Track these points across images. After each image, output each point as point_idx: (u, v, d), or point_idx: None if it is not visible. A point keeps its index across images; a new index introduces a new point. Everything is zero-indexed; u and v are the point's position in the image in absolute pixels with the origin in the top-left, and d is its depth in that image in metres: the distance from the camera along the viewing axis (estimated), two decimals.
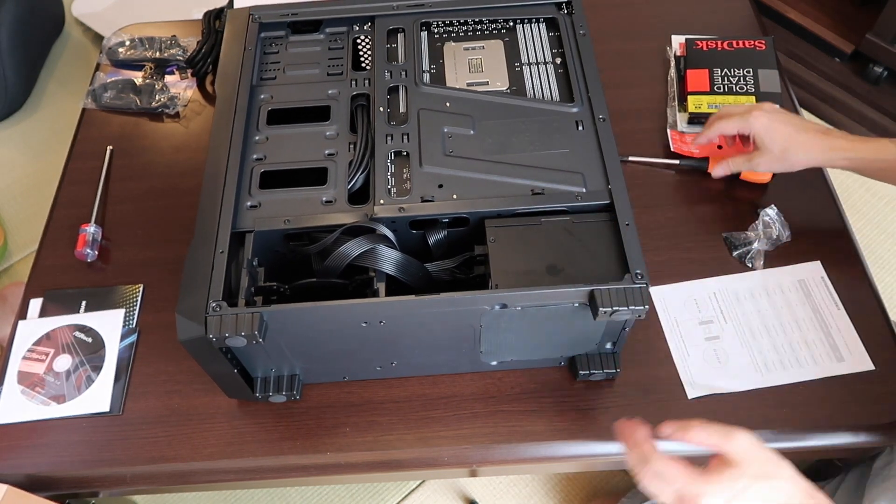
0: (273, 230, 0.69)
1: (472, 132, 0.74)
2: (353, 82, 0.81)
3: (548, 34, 0.84)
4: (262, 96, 0.80)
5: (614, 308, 0.62)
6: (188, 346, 0.63)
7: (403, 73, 0.80)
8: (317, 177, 0.73)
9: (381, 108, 0.77)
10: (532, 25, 0.85)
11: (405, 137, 0.74)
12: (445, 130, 0.74)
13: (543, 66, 0.81)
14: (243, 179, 0.72)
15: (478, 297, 0.63)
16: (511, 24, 0.85)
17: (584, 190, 0.70)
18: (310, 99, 0.80)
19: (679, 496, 0.55)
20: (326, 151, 0.75)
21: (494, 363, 0.76)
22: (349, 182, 0.72)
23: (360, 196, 0.72)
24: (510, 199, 0.69)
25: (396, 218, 0.69)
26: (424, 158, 0.72)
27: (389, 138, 0.74)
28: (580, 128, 0.75)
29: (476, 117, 0.75)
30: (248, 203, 0.71)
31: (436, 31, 0.85)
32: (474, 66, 0.81)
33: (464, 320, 0.66)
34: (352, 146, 0.75)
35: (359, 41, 0.86)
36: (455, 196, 0.69)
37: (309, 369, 0.74)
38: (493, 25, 0.85)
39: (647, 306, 0.63)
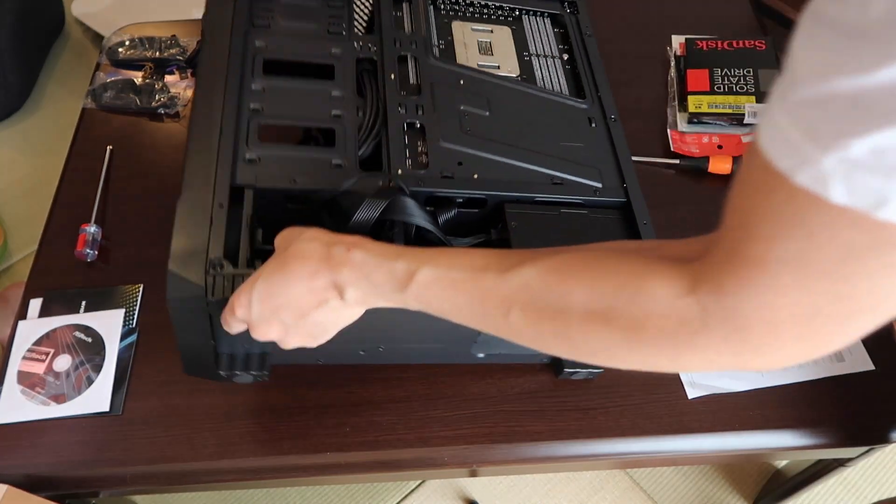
0: (277, 189, 0.63)
1: (487, 113, 0.72)
2: (358, 44, 0.75)
3: (553, 30, 0.84)
4: (258, 43, 0.72)
5: None
6: (175, 307, 0.58)
7: (412, 43, 0.76)
8: (321, 138, 0.69)
9: (392, 76, 0.72)
10: (537, 18, 0.84)
11: (419, 109, 0.70)
12: (462, 108, 0.71)
13: (551, 60, 0.80)
14: (240, 130, 0.66)
15: None
16: (517, 13, 0.84)
17: (600, 185, 0.69)
18: (311, 54, 0.73)
19: (228, 309, 0.55)
20: (333, 112, 0.69)
21: (481, 355, 0.74)
22: (359, 149, 0.68)
23: (368, 164, 0.68)
24: (531, 185, 0.68)
25: (417, 191, 0.65)
26: (442, 134, 0.69)
27: (402, 108, 0.70)
28: (593, 125, 0.74)
29: (490, 99, 0.73)
30: (247, 156, 0.64)
31: (442, 7, 0.82)
32: (484, 48, 0.79)
33: None
34: (359, 111, 0.70)
35: (358, 3, 0.81)
36: (476, 176, 0.67)
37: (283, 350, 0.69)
38: (500, 12, 0.83)
39: None
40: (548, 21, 0.84)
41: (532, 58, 0.80)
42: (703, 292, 0.38)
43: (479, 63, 0.77)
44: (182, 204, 0.60)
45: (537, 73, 0.78)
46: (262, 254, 0.62)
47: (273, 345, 0.65)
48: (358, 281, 0.51)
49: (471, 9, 0.83)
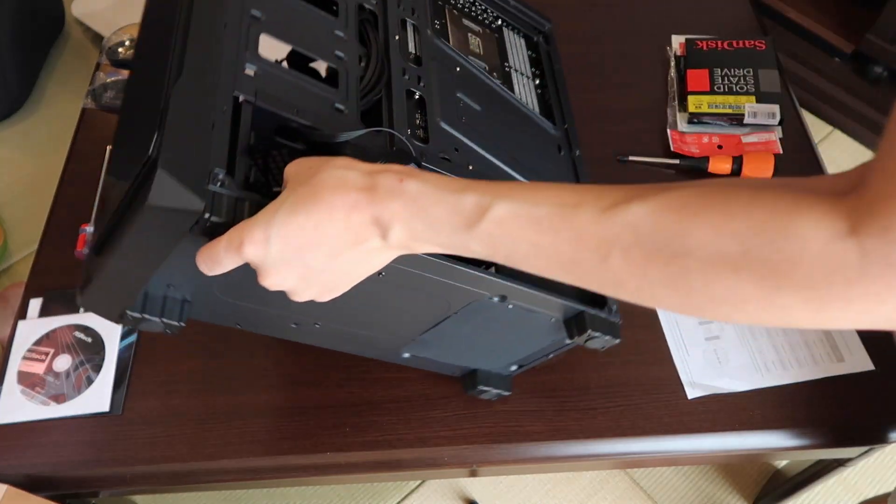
0: (276, 114, 0.53)
1: (479, 109, 0.70)
2: None
3: (527, 52, 0.84)
4: None
5: (593, 335, 0.63)
6: (151, 218, 0.44)
7: (413, 11, 0.71)
8: (320, 75, 0.61)
9: (397, 37, 0.67)
10: (515, 35, 0.84)
11: (420, 81, 0.66)
12: (458, 95, 0.68)
13: (526, 79, 0.80)
14: (241, 33, 0.55)
15: (486, 280, 0.57)
16: (499, 21, 0.84)
17: None
18: None
19: (228, 244, 0.45)
20: (335, 52, 0.61)
21: (407, 355, 0.70)
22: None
23: (366, 120, 0.62)
24: None
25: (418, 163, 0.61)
26: (442, 114, 0.64)
27: (406, 75, 0.64)
28: (562, 152, 0.75)
29: (481, 96, 0.71)
30: (246, 67, 0.53)
31: None
32: (473, 45, 0.77)
33: (447, 298, 0.60)
34: (361, 60, 0.64)
35: None
36: (471, 167, 0.64)
37: (212, 301, 0.57)
38: (485, 15, 0.82)
39: (619, 339, 0.64)
40: (523, 41, 0.84)
41: (511, 71, 0.79)
42: (866, 233, 0.32)
43: (469, 58, 0.76)
44: (181, 90, 0.47)
45: (515, 87, 0.78)
46: (255, 187, 0.52)
47: (196, 293, 0.56)
48: (410, 217, 0.43)
49: (461, 0, 0.81)
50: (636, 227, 0.38)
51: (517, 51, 0.82)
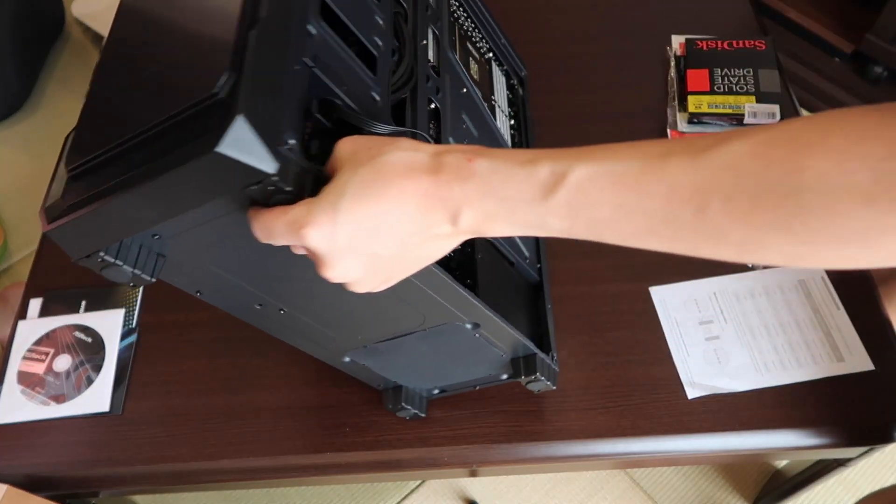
0: (325, 83, 0.48)
1: (476, 134, 0.71)
2: None
3: (506, 90, 0.84)
4: None
5: (539, 378, 0.66)
6: (209, 165, 0.38)
7: (437, 19, 0.68)
8: (362, 56, 0.57)
9: (425, 41, 0.64)
10: (500, 72, 0.84)
11: (439, 92, 0.64)
12: (462, 116, 0.68)
13: (505, 117, 0.80)
14: None
15: (472, 305, 0.56)
16: (490, 54, 0.83)
17: (528, 255, 0.73)
18: None
19: (288, 224, 0.41)
20: (374, 37, 0.58)
21: (347, 360, 0.66)
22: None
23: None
24: None
25: None
26: (452, 131, 0.63)
27: (429, 82, 0.63)
28: None
29: (478, 123, 0.72)
30: (310, 26, 0.49)
31: (451, 7, 0.77)
32: (473, 71, 0.78)
33: (426, 313, 0.57)
34: (394, 54, 0.61)
35: None
36: None
37: (189, 263, 0.51)
38: (481, 44, 0.83)
39: (556, 387, 0.70)
40: (504, 80, 0.84)
41: (495, 105, 0.79)
42: None
43: (470, 82, 0.76)
44: (260, 37, 0.42)
45: (497, 121, 0.78)
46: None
47: (171, 248, 0.49)
48: (482, 198, 0.40)
49: (468, 23, 0.81)
50: (738, 167, 0.34)
51: (501, 88, 0.82)
